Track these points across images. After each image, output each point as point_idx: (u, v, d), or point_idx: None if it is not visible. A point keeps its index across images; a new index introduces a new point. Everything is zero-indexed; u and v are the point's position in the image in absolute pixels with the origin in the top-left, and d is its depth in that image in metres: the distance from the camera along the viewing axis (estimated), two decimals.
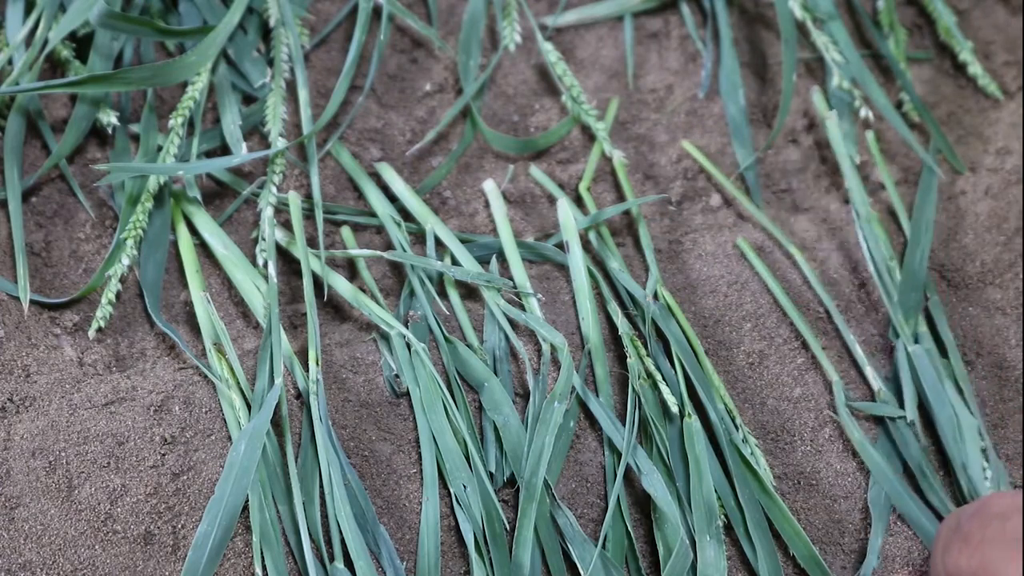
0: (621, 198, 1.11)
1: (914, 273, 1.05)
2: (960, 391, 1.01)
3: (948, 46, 1.19)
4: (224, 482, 0.92)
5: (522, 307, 1.04)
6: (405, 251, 1.05)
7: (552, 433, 0.96)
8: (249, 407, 0.97)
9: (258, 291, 1.03)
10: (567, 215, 1.06)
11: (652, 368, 1.00)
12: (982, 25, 1.20)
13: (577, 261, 1.05)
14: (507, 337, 1.02)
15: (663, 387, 0.98)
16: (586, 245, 1.07)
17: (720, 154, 1.13)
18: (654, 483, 0.95)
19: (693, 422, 0.97)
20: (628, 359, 1.00)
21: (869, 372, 1.03)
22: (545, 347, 1.01)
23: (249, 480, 0.92)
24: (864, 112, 1.14)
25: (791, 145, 1.15)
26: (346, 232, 1.07)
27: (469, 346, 1.02)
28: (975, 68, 1.17)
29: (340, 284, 1.04)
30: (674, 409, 0.97)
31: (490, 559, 0.93)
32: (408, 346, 1.00)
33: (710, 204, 1.12)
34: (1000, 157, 1.13)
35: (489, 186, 1.09)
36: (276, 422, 0.96)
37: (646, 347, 1.01)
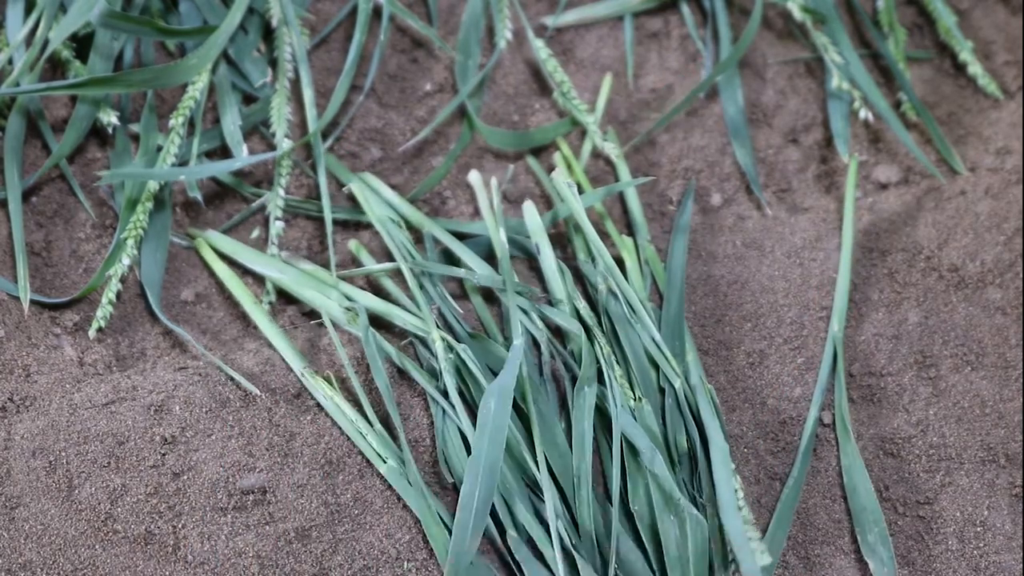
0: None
1: (672, 320, 1.04)
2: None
3: (948, 46, 1.19)
4: (479, 439, 0.93)
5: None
6: (413, 255, 1.05)
7: (588, 418, 0.97)
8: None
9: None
10: (533, 217, 1.06)
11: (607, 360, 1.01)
12: (982, 25, 1.20)
13: (548, 262, 1.05)
14: (529, 331, 1.02)
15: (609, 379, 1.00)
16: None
17: (720, 154, 1.13)
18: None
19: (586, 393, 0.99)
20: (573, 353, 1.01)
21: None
22: (575, 337, 1.02)
23: (503, 437, 0.93)
24: (864, 113, 1.14)
25: (791, 145, 1.15)
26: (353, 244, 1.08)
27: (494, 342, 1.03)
28: (975, 68, 1.17)
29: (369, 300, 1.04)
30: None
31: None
32: (450, 347, 1.01)
33: (711, 204, 1.12)
34: (1000, 157, 1.13)
35: (474, 177, 1.09)
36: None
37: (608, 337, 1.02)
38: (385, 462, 0.97)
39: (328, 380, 0.99)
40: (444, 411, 0.99)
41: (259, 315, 1.03)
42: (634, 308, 1.02)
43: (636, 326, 1.01)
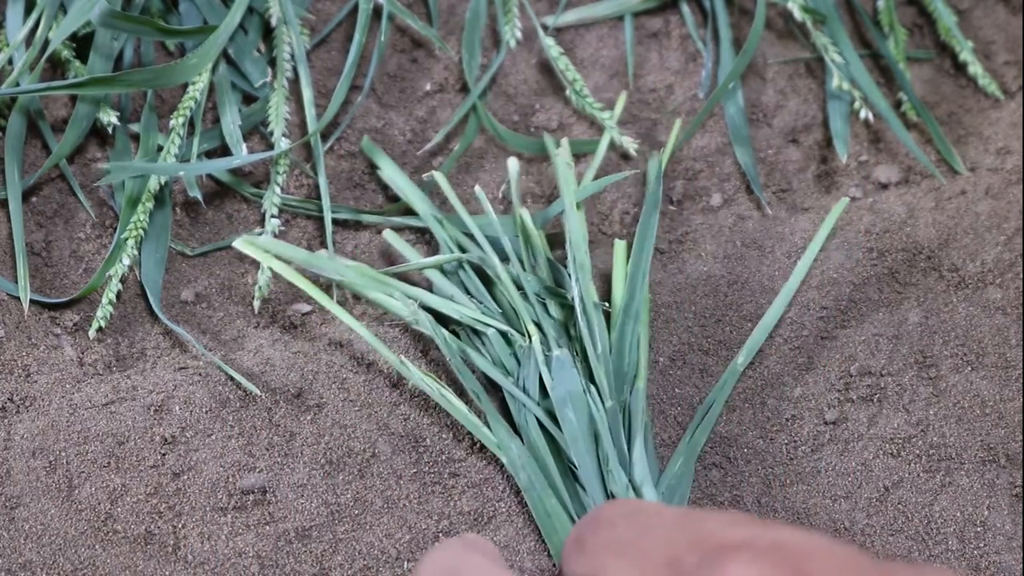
0: (639, 192, 1.11)
1: (622, 334, 1.02)
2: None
3: (948, 46, 1.19)
4: (577, 453, 0.96)
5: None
6: (463, 250, 1.04)
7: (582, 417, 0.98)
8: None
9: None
10: (527, 223, 1.06)
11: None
12: (983, 25, 1.20)
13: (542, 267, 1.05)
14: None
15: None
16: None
17: (720, 154, 1.13)
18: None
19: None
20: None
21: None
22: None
23: (593, 448, 0.96)
24: (864, 113, 1.14)
25: (791, 145, 1.15)
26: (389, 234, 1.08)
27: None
28: (975, 68, 1.17)
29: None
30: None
31: None
32: (509, 342, 1.01)
33: (711, 204, 1.12)
34: (1000, 157, 1.13)
35: (513, 165, 1.08)
36: None
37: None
38: (504, 453, 0.97)
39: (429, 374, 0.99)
40: (527, 409, 0.99)
41: (336, 310, 1.02)
42: (590, 320, 1.01)
43: (586, 341, 1.01)
